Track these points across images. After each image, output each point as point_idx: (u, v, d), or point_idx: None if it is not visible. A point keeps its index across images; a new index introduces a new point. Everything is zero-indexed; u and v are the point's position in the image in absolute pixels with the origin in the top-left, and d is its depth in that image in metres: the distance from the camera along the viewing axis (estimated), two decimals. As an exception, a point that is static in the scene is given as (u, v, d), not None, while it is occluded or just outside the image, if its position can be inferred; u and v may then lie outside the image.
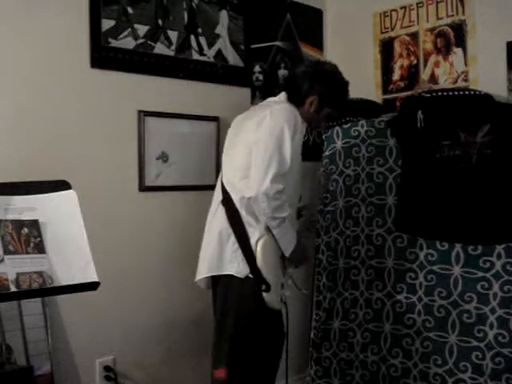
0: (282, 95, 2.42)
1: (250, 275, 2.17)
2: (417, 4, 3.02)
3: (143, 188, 2.62)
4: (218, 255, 2.22)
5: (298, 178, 2.33)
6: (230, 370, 2.19)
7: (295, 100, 2.37)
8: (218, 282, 2.27)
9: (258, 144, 2.18)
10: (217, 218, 2.27)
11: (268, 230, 2.19)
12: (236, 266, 2.18)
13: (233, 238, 2.20)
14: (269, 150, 2.14)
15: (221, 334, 2.25)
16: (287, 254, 2.26)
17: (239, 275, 2.18)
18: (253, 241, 2.18)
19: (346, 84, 2.46)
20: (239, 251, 2.19)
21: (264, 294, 2.18)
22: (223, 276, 2.22)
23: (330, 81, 2.40)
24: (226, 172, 2.30)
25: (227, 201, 2.23)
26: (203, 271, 2.28)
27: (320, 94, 2.36)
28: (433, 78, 2.98)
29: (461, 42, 2.86)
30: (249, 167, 2.18)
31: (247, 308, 2.20)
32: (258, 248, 2.17)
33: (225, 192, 2.26)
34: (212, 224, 2.29)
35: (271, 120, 2.20)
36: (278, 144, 2.15)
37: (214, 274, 2.24)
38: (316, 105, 2.37)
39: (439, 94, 2.70)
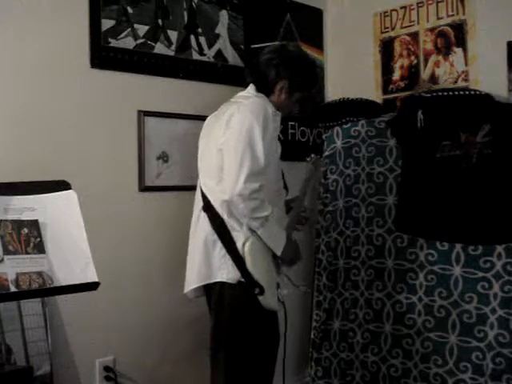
0: (250, 87, 2.30)
1: (242, 279, 2.09)
2: (417, 4, 3.02)
3: (143, 188, 2.62)
4: (206, 263, 2.14)
5: (278, 171, 2.25)
6: (228, 375, 2.14)
7: (264, 89, 2.26)
8: (211, 291, 2.19)
9: (228, 144, 2.08)
10: (200, 225, 2.19)
11: (252, 231, 2.09)
12: (226, 273, 2.10)
13: (219, 244, 2.12)
14: (239, 150, 2.03)
15: (217, 340, 2.18)
16: (278, 253, 2.16)
17: (231, 281, 2.10)
18: (239, 244, 2.09)
19: (313, 64, 2.37)
20: (227, 256, 2.10)
21: (259, 298, 2.10)
22: (214, 284, 2.14)
23: (297, 64, 2.29)
24: (203, 177, 2.23)
25: (208, 206, 2.15)
26: (193, 281, 2.20)
27: (289, 78, 2.25)
28: (433, 78, 2.97)
29: (461, 41, 2.85)
30: (222, 170, 2.10)
31: (242, 313, 2.13)
32: (246, 251, 2.08)
33: (204, 197, 2.18)
34: (196, 232, 2.22)
35: (239, 117, 2.09)
36: (248, 142, 2.04)
37: (204, 283, 2.16)
38: (286, 90, 2.26)
39: (439, 93, 2.70)
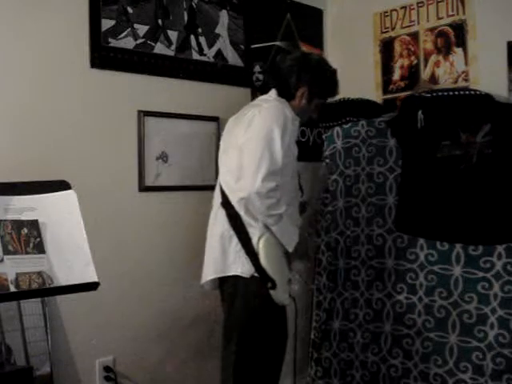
0: (272, 92, 2.39)
1: (256, 274, 2.19)
2: (417, 4, 3.02)
3: (143, 188, 2.62)
4: (222, 257, 2.23)
5: (295, 172, 2.33)
6: (237, 367, 2.22)
7: (285, 94, 2.36)
8: (224, 283, 2.29)
9: (248, 144, 2.18)
10: (218, 220, 2.28)
11: (267, 228, 2.20)
12: (241, 267, 2.20)
13: (235, 239, 2.22)
14: (258, 150, 2.14)
15: (228, 331, 2.27)
16: (290, 250, 2.26)
17: (244, 275, 2.20)
18: (254, 240, 2.19)
19: (333, 72, 2.45)
20: (242, 251, 2.20)
21: (271, 292, 2.19)
22: (229, 277, 2.24)
23: (318, 70, 2.39)
24: (223, 174, 2.31)
25: (226, 203, 2.24)
26: (209, 273, 2.30)
27: (309, 84, 2.35)
28: (433, 78, 2.97)
29: (461, 41, 2.85)
30: (241, 168, 2.19)
31: (254, 307, 2.22)
32: (260, 247, 2.18)
33: (223, 194, 2.27)
34: (214, 227, 2.31)
35: (260, 119, 2.20)
36: (267, 142, 2.15)
37: (219, 275, 2.26)
38: (306, 96, 2.36)
39: (439, 93, 2.70)
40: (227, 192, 2.25)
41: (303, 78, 2.35)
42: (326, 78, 2.42)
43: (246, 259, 2.19)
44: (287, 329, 2.35)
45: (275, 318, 2.27)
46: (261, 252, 2.18)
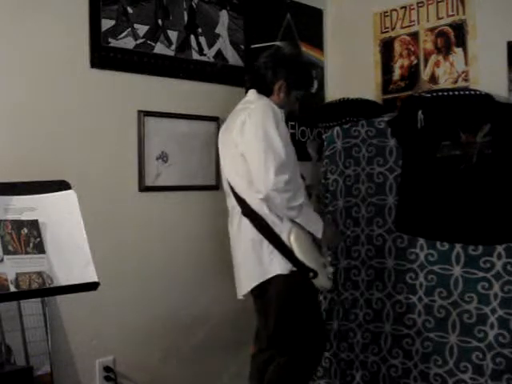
0: (252, 92, 2.44)
1: (294, 268, 2.25)
2: (417, 4, 3.02)
3: (143, 188, 2.62)
4: (258, 263, 2.27)
5: (296, 161, 2.38)
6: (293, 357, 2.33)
7: (264, 91, 2.41)
8: (263, 287, 2.29)
9: (249, 149, 2.23)
10: (243, 230, 2.31)
11: (292, 222, 2.25)
12: (279, 266, 2.25)
13: (265, 242, 2.25)
14: (260, 150, 2.19)
15: (280, 331, 2.32)
16: (319, 236, 2.32)
17: (284, 272, 2.25)
18: (284, 237, 2.24)
19: (307, 63, 2.54)
20: (275, 251, 2.25)
21: (314, 281, 2.27)
22: (269, 280, 2.26)
23: (292, 62, 2.46)
24: (235, 183, 2.33)
25: (248, 210, 2.28)
26: (248, 283, 2.32)
27: (285, 77, 2.40)
28: (433, 78, 2.97)
29: (461, 41, 2.85)
30: (249, 171, 2.24)
31: (301, 298, 2.30)
32: (292, 242, 2.24)
33: (242, 202, 2.29)
34: (240, 237, 2.33)
35: (251, 122, 2.24)
36: (266, 140, 2.20)
37: (260, 281, 2.28)
38: (284, 89, 2.41)
39: (439, 93, 2.69)
40: (246, 198, 2.28)
41: (278, 71, 2.40)
42: (300, 68, 2.48)
43: (282, 257, 2.24)
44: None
45: (315, 304, 2.42)
46: (294, 247, 2.24)
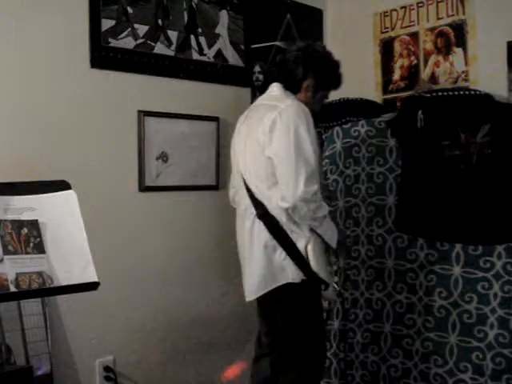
0: (277, 87, 2.32)
1: (305, 277, 2.17)
2: (417, 4, 3.02)
3: (143, 188, 2.62)
4: (269, 269, 2.18)
5: (320, 165, 2.33)
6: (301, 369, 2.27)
7: (291, 87, 2.30)
8: (272, 294, 2.22)
9: (279, 153, 2.12)
10: (256, 234, 2.21)
11: (312, 230, 2.17)
12: (290, 274, 2.17)
13: (279, 249, 2.17)
14: (292, 158, 2.09)
15: (285, 338, 2.26)
16: (334, 246, 2.26)
17: (295, 281, 2.17)
18: (300, 245, 2.15)
19: (338, 64, 2.41)
20: (288, 259, 2.16)
21: (323, 292, 2.21)
22: (279, 287, 2.19)
23: (323, 62, 2.34)
24: (253, 184, 2.21)
25: (264, 213, 2.18)
26: (258, 289, 2.23)
27: (315, 76, 2.30)
28: (433, 78, 2.97)
29: (461, 41, 2.85)
30: (273, 175, 2.14)
31: (308, 309, 2.23)
32: (309, 252, 2.15)
33: (259, 204, 2.19)
34: (253, 241, 2.22)
35: (283, 124, 2.12)
36: (298, 148, 2.10)
37: (270, 288, 2.20)
38: (312, 88, 2.31)
39: (439, 93, 2.69)
40: (263, 201, 2.17)
41: (309, 69, 2.29)
42: (331, 68, 2.37)
43: (294, 265, 2.16)
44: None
45: (320, 315, 2.34)
46: (311, 258, 2.15)
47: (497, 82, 2.68)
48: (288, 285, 2.17)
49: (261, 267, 2.19)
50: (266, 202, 2.17)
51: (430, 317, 2.62)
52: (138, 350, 2.60)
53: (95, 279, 1.60)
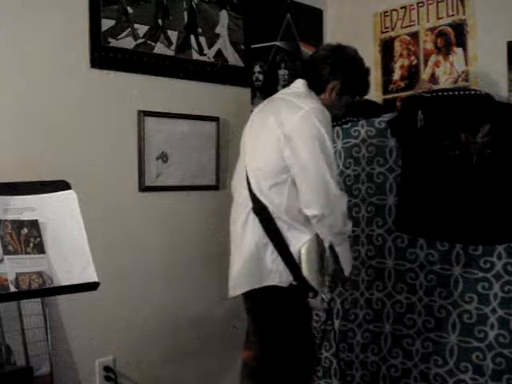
0: (301, 83, 2.24)
1: (294, 282, 2.08)
2: (417, 4, 3.02)
3: (143, 188, 2.62)
4: (258, 267, 2.09)
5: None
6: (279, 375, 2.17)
7: (315, 87, 2.22)
8: (257, 294, 2.14)
9: (301, 156, 2.03)
10: (249, 228, 2.12)
11: (316, 236, 2.09)
12: (278, 276, 2.07)
13: (270, 247, 2.08)
14: (320, 164, 2.02)
15: (265, 342, 2.18)
16: (347, 273, 2.18)
17: (282, 284, 2.08)
18: (293, 249, 2.07)
19: (367, 71, 2.34)
20: (279, 260, 2.07)
21: (310, 300, 2.12)
22: (264, 288, 2.10)
23: (352, 66, 2.27)
24: (254, 179, 2.12)
25: (260, 209, 2.09)
26: (242, 285, 2.15)
27: (342, 79, 2.22)
28: (433, 78, 2.97)
29: (461, 41, 2.85)
30: (280, 174, 2.06)
31: (292, 315, 2.13)
32: (302, 255, 2.07)
33: (256, 200, 2.10)
34: (245, 235, 2.13)
35: (307, 127, 2.03)
36: (323, 153, 2.02)
37: (255, 287, 2.11)
38: (337, 91, 2.22)
39: (439, 93, 2.69)
40: (261, 198, 2.09)
41: (337, 71, 2.21)
42: (360, 75, 2.29)
43: (284, 268, 2.07)
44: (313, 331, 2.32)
45: (308, 324, 2.22)
46: (303, 263, 2.07)
47: (497, 82, 2.68)
48: (274, 288, 2.08)
49: (249, 264, 2.11)
50: (264, 199, 2.08)
51: (430, 317, 2.62)
52: (138, 350, 2.60)
53: (95, 279, 1.59)
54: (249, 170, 2.14)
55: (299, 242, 2.08)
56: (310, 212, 2.03)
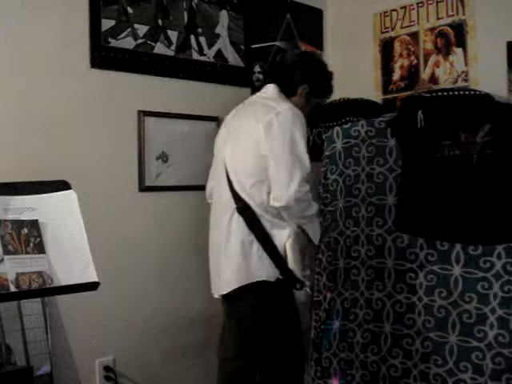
0: (272, 88, 2.37)
1: (281, 276, 2.19)
2: (417, 4, 3.02)
3: (143, 188, 2.62)
4: (245, 264, 2.19)
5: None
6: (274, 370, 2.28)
7: (287, 90, 2.36)
8: (244, 291, 2.22)
9: (274, 154, 2.17)
10: (234, 227, 2.22)
11: (298, 228, 2.24)
12: (266, 271, 2.19)
13: (256, 244, 2.19)
14: (288, 160, 2.15)
15: (253, 338, 2.27)
16: (317, 242, 2.37)
17: (270, 279, 2.19)
18: (278, 242, 2.19)
19: (332, 74, 2.50)
20: (265, 256, 2.19)
21: (295, 292, 2.23)
22: (252, 284, 2.20)
23: (320, 70, 2.45)
24: (235, 178, 2.24)
25: (244, 208, 2.20)
26: (230, 283, 2.23)
27: (311, 82, 2.37)
28: (433, 78, 2.97)
29: (461, 41, 2.85)
30: (260, 172, 2.18)
31: (281, 309, 2.23)
32: (288, 249, 2.19)
33: (239, 199, 2.22)
34: (231, 235, 2.23)
35: (280, 126, 2.17)
36: (294, 151, 2.16)
37: (243, 284, 2.20)
38: (306, 94, 2.37)
39: (439, 94, 2.69)
40: (244, 197, 2.21)
41: (307, 75, 2.36)
42: (326, 77, 2.46)
43: (270, 263, 2.18)
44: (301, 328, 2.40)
45: (295, 317, 2.32)
46: (288, 254, 2.19)
47: (497, 81, 2.68)
48: (263, 283, 2.18)
49: (236, 262, 2.20)
50: (247, 198, 2.20)
51: (430, 317, 2.62)
52: (138, 350, 2.60)
53: (95, 279, 1.59)
54: (230, 172, 2.26)
55: (283, 238, 2.20)
56: (277, 204, 2.15)
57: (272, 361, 2.25)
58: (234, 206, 2.22)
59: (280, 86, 2.36)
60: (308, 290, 2.33)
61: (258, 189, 2.19)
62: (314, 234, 2.33)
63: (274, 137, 2.17)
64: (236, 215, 2.21)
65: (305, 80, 2.35)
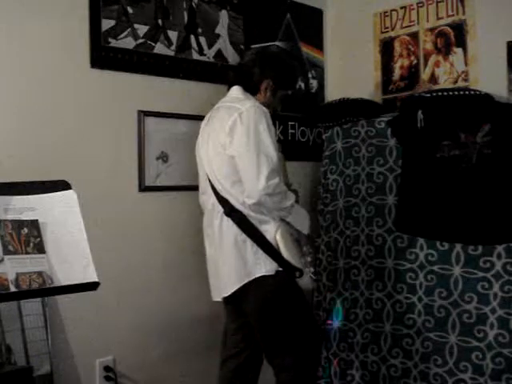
0: (236, 89, 2.40)
1: (280, 268, 2.22)
2: (417, 4, 3.02)
3: (143, 188, 2.62)
4: (241, 263, 2.22)
5: (280, 159, 2.37)
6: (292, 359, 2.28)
7: (250, 89, 2.39)
8: (246, 288, 2.24)
9: (241, 152, 2.19)
10: (225, 230, 2.26)
11: (281, 220, 2.24)
12: (264, 266, 2.21)
13: (249, 242, 2.22)
14: (253, 155, 2.16)
15: (266, 332, 2.29)
16: (306, 232, 2.34)
17: (269, 273, 2.22)
18: (269, 237, 2.21)
19: (293, 64, 2.56)
20: (260, 252, 2.21)
21: (298, 280, 2.25)
22: (253, 280, 2.22)
23: (279, 62, 2.49)
24: (217, 182, 2.28)
25: (230, 210, 2.23)
26: (230, 285, 2.26)
27: (272, 76, 2.39)
28: (433, 78, 2.97)
29: (461, 41, 2.85)
30: (235, 172, 2.21)
31: (287, 299, 2.26)
32: (279, 241, 2.21)
33: (224, 201, 2.25)
34: (222, 238, 2.27)
35: (243, 124, 2.20)
36: (259, 145, 2.18)
37: (244, 282, 2.22)
38: (271, 89, 2.40)
39: (439, 93, 2.70)
40: (228, 198, 2.24)
41: (266, 70, 2.39)
42: (287, 68, 2.50)
43: (266, 258, 2.21)
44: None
45: (302, 302, 2.34)
46: (281, 246, 2.21)
47: (497, 81, 2.68)
48: (263, 278, 2.21)
49: (233, 263, 2.23)
50: (231, 199, 2.23)
51: (430, 317, 2.62)
52: (138, 349, 2.60)
53: (95, 279, 1.59)
54: (211, 176, 2.30)
55: (272, 232, 2.21)
56: (248, 201, 2.17)
57: (287, 348, 2.28)
58: (221, 210, 2.26)
59: (243, 86, 2.40)
60: (312, 275, 2.34)
61: (237, 189, 2.21)
62: (301, 223, 2.32)
63: (238, 136, 2.20)
64: (225, 219, 2.25)
65: (265, 76, 2.38)
